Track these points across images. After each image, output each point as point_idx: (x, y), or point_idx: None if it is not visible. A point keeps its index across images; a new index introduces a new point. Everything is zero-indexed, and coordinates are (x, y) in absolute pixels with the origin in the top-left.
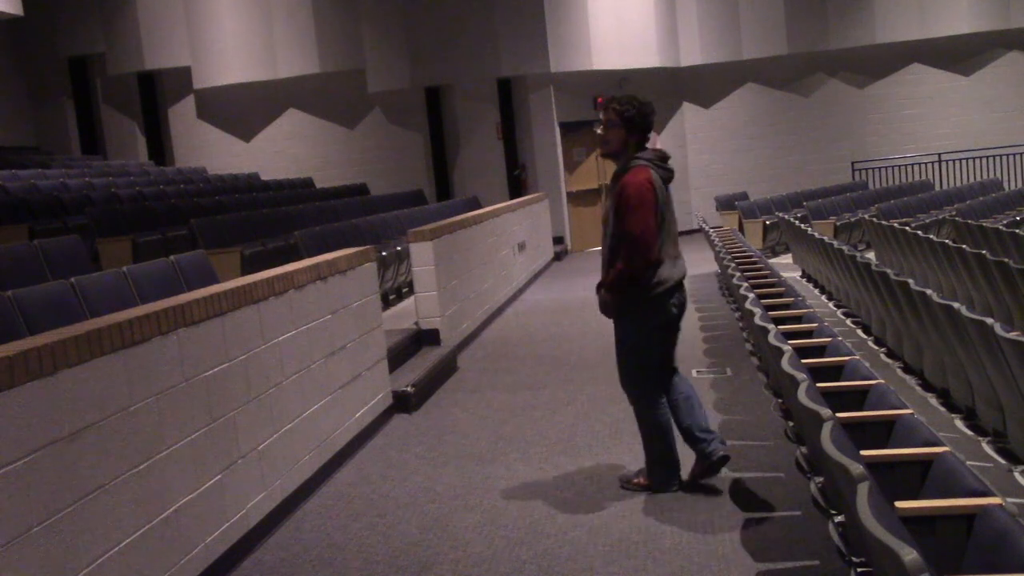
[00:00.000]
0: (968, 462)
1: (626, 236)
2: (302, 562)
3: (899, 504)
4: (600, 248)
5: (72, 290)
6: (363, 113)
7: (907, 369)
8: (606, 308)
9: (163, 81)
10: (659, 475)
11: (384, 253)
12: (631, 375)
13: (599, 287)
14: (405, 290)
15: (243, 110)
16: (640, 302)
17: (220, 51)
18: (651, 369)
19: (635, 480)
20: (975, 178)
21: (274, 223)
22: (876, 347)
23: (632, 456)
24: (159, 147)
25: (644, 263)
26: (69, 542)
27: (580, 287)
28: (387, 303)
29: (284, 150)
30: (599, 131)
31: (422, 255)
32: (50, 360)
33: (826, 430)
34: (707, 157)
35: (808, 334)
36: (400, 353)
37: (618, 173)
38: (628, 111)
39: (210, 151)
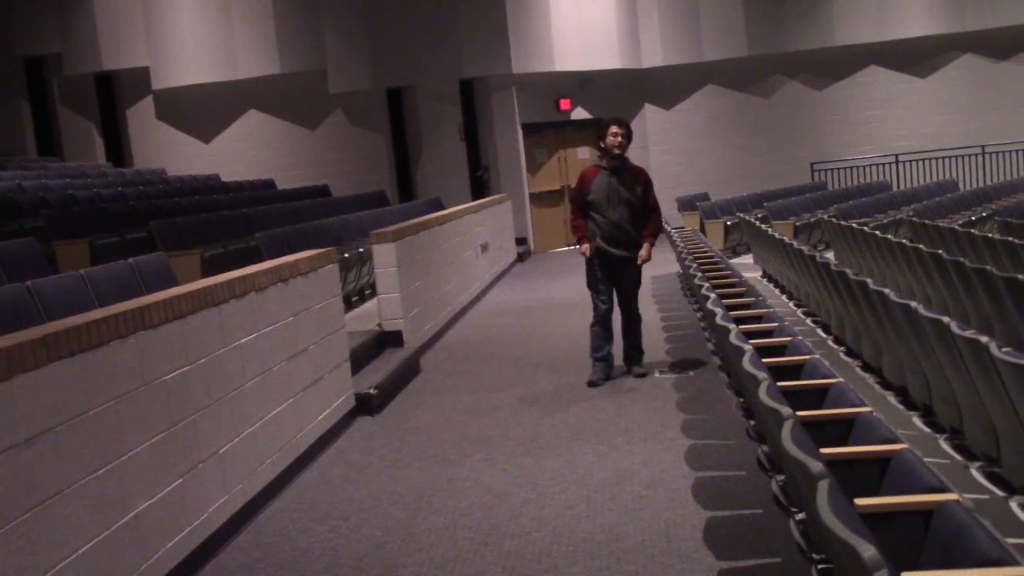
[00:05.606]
0: (926, 459)
1: (656, 206)
2: (264, 566)
3: (858, 501)
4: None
5: (28, 293)
6: (324, 114)
7: (866, 367)
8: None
9: (121, 82)
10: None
11: (346, 255)
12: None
13: (644, 238)
14: (368, 292)
15: (203, 111)
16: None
17: (179, 51)
18: None
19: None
20: (931, 179)
21: (235, 225)
22: (836, 346)
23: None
24: (117, 148)
25: None
26: (26, 549)
27: (543, 288)
28: (350, 305)
29: (245, 151)
30: (622, 140)
31: (385, 257)
32: (5, 365)
33: (786, 429)
34: (668, 158)
35: (769, 333)
36: (363, 355)
37: (629, 168)
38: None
39: (169, 152)
